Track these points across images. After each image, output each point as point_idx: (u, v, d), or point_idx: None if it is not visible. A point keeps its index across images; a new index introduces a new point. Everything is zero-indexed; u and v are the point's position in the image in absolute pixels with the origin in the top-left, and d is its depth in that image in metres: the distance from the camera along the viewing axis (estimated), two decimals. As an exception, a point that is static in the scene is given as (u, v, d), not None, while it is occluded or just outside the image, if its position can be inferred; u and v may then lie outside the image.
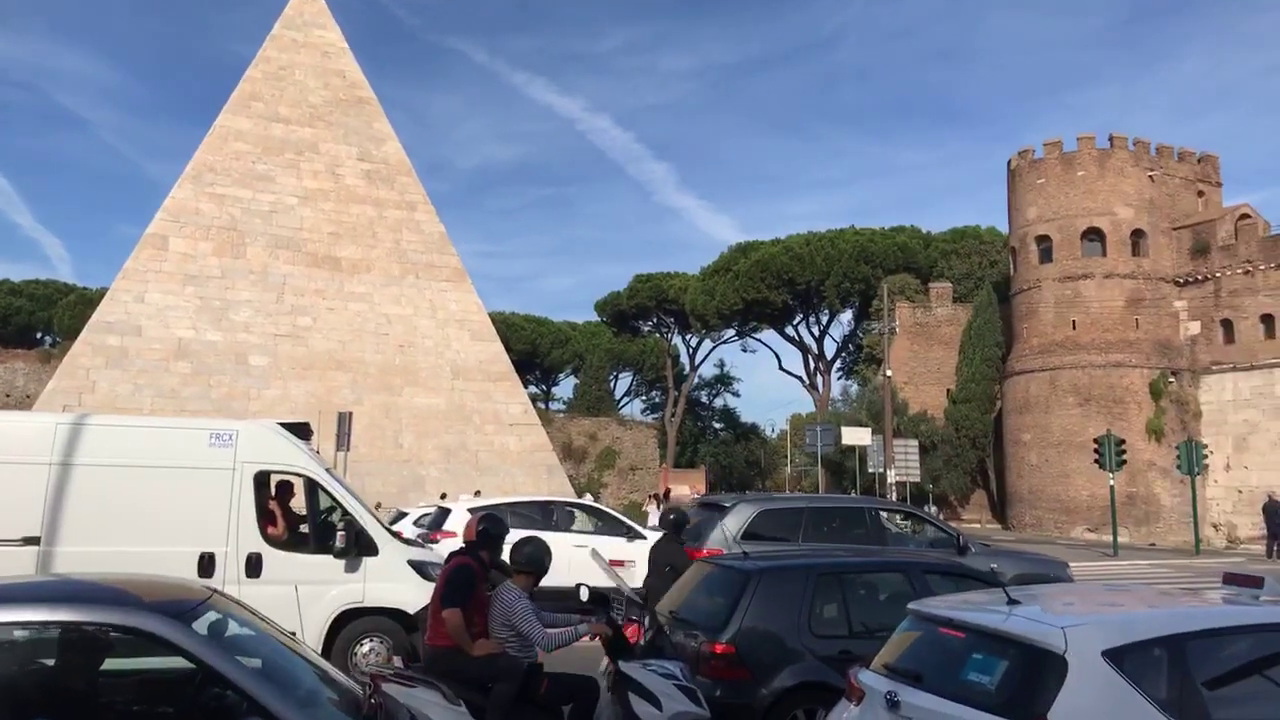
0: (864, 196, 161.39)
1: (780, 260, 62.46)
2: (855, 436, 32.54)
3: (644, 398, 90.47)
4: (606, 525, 14.36)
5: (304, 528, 9.85)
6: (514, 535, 13.78)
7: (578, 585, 6.18)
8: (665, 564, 8.59)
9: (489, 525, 6.06)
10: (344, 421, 21.94)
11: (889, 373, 34.76)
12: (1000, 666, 4.12)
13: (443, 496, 21.26)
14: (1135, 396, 42.47)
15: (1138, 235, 43.63)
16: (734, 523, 10.13)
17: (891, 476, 31.73)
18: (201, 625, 3.88)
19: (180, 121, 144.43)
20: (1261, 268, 40.98)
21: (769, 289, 62.83)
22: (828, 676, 6.36)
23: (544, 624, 5.76)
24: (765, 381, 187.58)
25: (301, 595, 8.56)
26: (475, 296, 35.85)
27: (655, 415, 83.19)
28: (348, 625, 8.93)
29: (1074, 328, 43.76)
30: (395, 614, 9.07)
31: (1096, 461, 28.31)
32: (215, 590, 4.40)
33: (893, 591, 7.00)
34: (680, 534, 9.17)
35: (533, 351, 75.18)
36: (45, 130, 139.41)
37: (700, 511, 11.24)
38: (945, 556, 8.86)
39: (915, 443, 34.07)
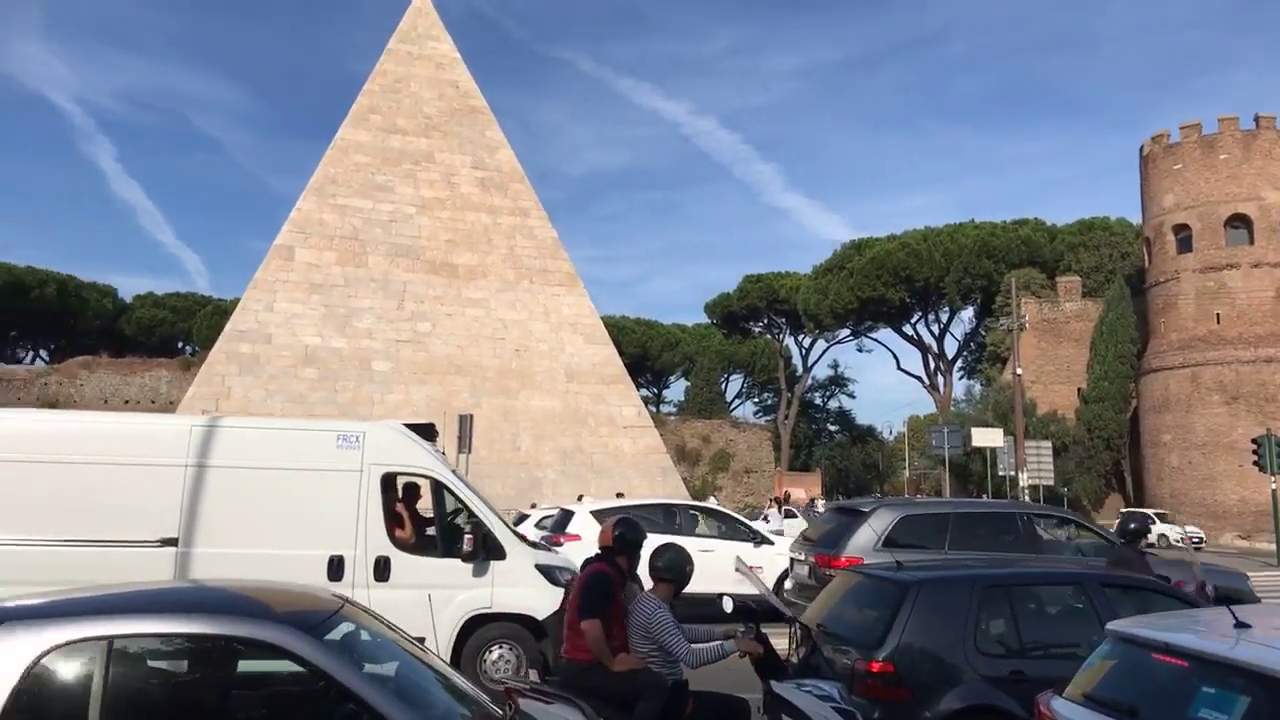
0: (979, 191, 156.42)
1: (897, 256, 60.73)
2: (986, 438, 31.08)
3: (756, 400, 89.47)
4: (731, 530, 13.89)
5: (429, 531, 9.72)
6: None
7: (719, 595, 5.73)
8: None
9: (626, 530, 5.68)
10: (465, 424, 22.05)
11: (1019, 370, 33.13)
12: (1240, 704, 3.50)
13: (580, 499, 21.18)
14: (1290, 394, 39.56)
15: (1290, 220, 40.61)
16: (874, 529, 9.53)
17: (1023, 480, 30.19)
18: (334, 638, 3.62)
19: (301, 139, 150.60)
20: None
21: (885, 286, 61.15)
22: (998, 700, 5.76)
23: (687, 638, 5.36)
24: (882, 382, 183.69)
25: (429, 600, 8.39)
26: (588, 300, 35.90)
27: (768, 417, 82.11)
28: (476, 632, 8.72)
29: (1218, 321, 41.05)
30: (524, 620, 8.82)
31: (1256, 463, 26.29)
32: (346, 599, 4.15)
33: (1067, 607, 6.33)
34: None
35: (643, 354, 75.19)
36: (183, 152, 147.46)
37: (835, 517, 10.66)
38: (1120, 569, 8.07)
39: (1049, 444, 32.34)
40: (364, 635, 3.95)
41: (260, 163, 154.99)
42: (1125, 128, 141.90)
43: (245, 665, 3.71)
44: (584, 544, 13.09)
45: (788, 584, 10.63)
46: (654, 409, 68.95)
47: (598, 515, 13.99)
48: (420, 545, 9.09)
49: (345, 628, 3.78)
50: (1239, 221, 40.89)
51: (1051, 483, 32.16)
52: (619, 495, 23.16)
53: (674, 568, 5.52)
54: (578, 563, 10.66)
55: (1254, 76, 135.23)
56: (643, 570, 5.92)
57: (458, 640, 8.64)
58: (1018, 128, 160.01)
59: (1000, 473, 32.02)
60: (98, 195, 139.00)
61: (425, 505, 10.04)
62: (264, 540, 8.33)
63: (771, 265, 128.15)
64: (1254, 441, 26.86)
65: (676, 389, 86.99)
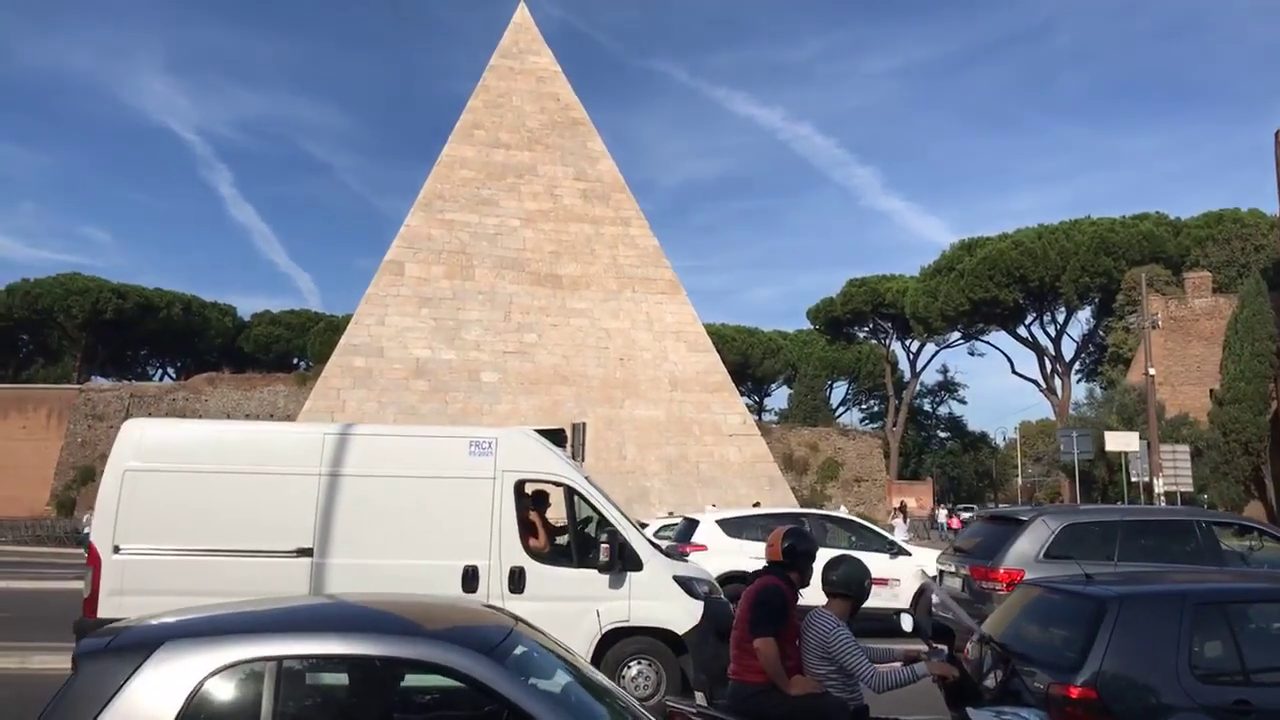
0: (1093, 188, 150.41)
1: (1010, 256, 58.61)
2: (1120, 441, 29.39)
3: (862, 407, 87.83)
4: (864, 540, 13.27)
5: (559, 540, 9.44)
6: (760, 549, 13.08)
7: (898, 613, 5.23)
8: None
9: (796, 541, 5.21)
10: (578, 432, 21.83)
11: (1151, 371, 31.32)
12: None
13: (755, 505, 20.68)
14: None
15: None
16: (1035, 539, 8.80)
17: (1159, 486, 28.46)
18: (511, 660, 3.28)
19: (406, 159, 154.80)
20: None
21: (998, 287, 59.07)
22: (1222, 733, 5.08)
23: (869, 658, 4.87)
24: (994, 387, 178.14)
25: (566, 613, 8.06)
26: (690, 308, 35.57)
27: (875, 425, 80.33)
28: (614, 646, 8.35)
29: (1369, 315, 38.18)
30: (663, 634, 8.42)
31: None
32: (519, 618, 3.81)
33: (1293, 627, 5.61)
34: None
35: (744, 362, 74.44)
36: (294, 177, 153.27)
37: (989, 526, 9.96)
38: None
39: (1186, 448, 30.44)
40: (536, 655, 3.60)
41: (367, 184, 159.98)
42: (1250, 115, 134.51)
43: (412, 688, 3.41)
44: (709, 554, 12.67)
45: (935, 598, 9.98)
46: (756, 417, 68.14)
47: (723, 524, 13.57)
48: (554, 555, 8.79)
49: (520, 648, 3.43)
50: (1391, 207, 38.03)
51: (1190, 489, 30.27)
52: (756, 505, 22.72)
53: (852, 582, 5.04)
54: (713, 574, 10.29)
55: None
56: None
57: (594, 655, 8.29)
58: (1132, 120, 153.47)
59: (1133, 478, 30.30)
60: (217, 220, 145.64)
61: (554, 514, 9.77)
62: (397, 550, 8.15)
63: (873, 269, 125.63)
64: None
65: (778, 397, 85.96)
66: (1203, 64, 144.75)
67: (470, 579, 8.13)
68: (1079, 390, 65.02)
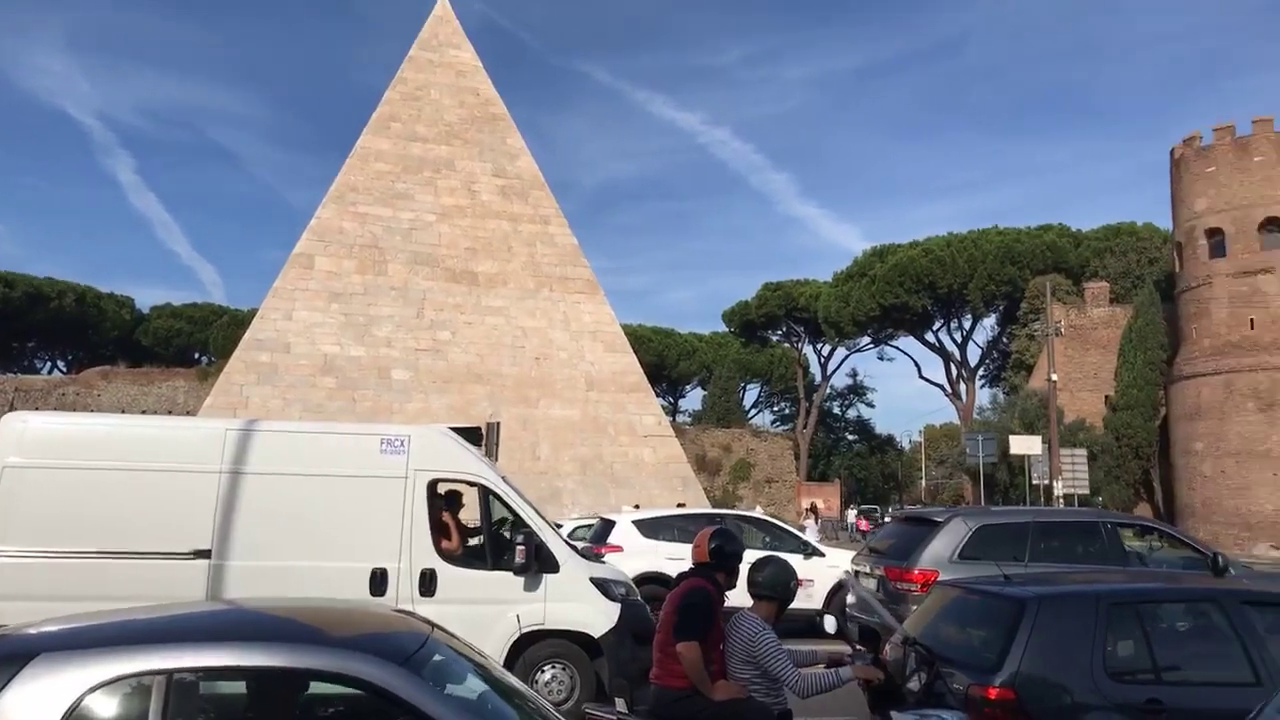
0: (1001, 198, 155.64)
1: (920, 263, 60.07)
2: (1024, 445, 30.32)
3: (774, 409, 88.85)
4: (779, 541, 13.29)
5: (473, 541, 9.18)
6: (677, 549, 12.98)
7: (820, 614, 5.16)
8: None
9: (724, 542, 5.09)
10: (492, 432, 21.44)
11: (1054, 377, 32.39)
12: None
13: (680, 505, 20.50)
14: (1326, 401, 38.65)
15: (1325, 224, 39.77)
16: (950, 540, 8.90)
17: (1059, 489, 29.45)
18: (428, 669, 3.06)
19: (318, 151, 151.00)
20: None
21: (908, 293, 60.50)
22: (1137, 732, 5.15)
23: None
24: (902, 391, 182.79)
25: (479, 616, 7.81)
26: (608, 308, 35.41)
27: (786, 426, 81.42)
28: (527, 650, 8.13)
29: (1252, 326, 40.22)
30: (578, 638, 8.23)
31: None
32: (435, 624, 3.59)
33: (1203, 627, 5.72)
34: None
35: (660, 363, 74.65)
36: (200, 165, 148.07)
37: (904, 527, 10.05)
38: (1236, 581, 7.46)
39: (1084, 452, 31.60)
40: (453, 664, 3.39)
41: (277, 175, 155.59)
42: (1148, 133, 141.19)
43: (318, 702, 3.16)
44: (626, 555, 12.55)
45: (850, 599, 10.04)
46: (671, 419, 68.36)
47: (640, 525, 13.45)
48: (467, 557, 8.53)
49: (437, 656, 3.22)
50: (1274, 225, 40.04)
51: (1086, 491, 31.41)
52: (680, 505, 22.64)
53: (778, 583, 4.94)
54: (630, 576, 10.14)
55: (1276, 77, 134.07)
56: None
57: (506, 660, 8.05)
58: (1039, 135, 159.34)
59: (1034, 481, 31.29)
60: (116, 208, 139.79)
61: (467, 515, 9.52)
62: (302, 552, 7.79)
63: (788, 274, 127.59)
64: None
65: (693, 398, 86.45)
66: (1106, 84, 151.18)
67: (378, 582, 7.82)
68: (983, 395, 67.09)
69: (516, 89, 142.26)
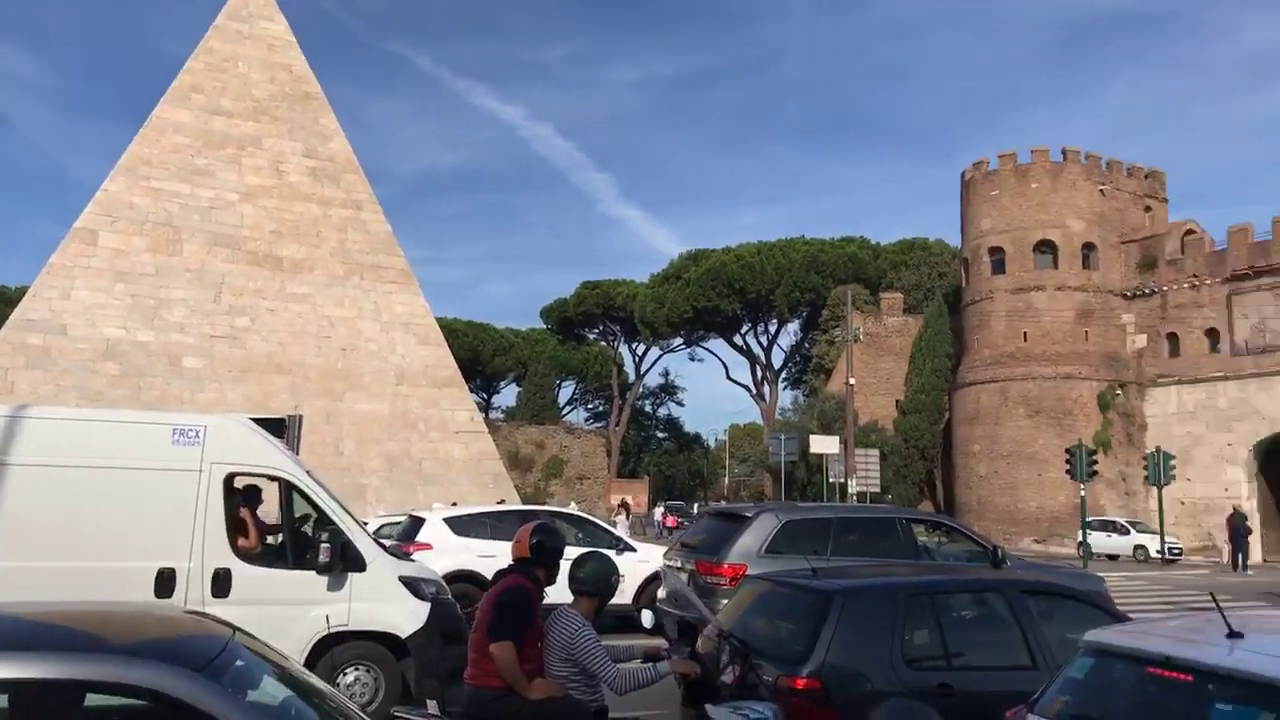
0: (807, 210, 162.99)
1: (731, 268, 62.12)
2: (824, 445, 31.90)
3: (588, 406, 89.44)
4: (592, 537, 13.30)
5: (272, 539, 8.68)
6: (489, 546, 12.77)
7: (639, 610, 5.15)
8: None
9: (545, 537, 4.97)
10: (294, 425, 20.47)
11: (852, 381, 34.26)
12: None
13: (500, 501, 19.87)
14: (1084, 409, 42.73)
15: (1088, 248, 44.01)
16: (758, 534, 9.17)
17: (853, 486, 31.16)
18: (228, 678, 2.81)
19: (106, 119, 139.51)
20: (1207, 282, 41.56)
21: (719, 297, 62.43)
22: (928, 716, 5.43)
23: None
24: (710, 391, 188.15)
25: (278, 618, 7.35)
26: (422, 299, 34.50)
27: (599, 424, 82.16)
28: (329, 652, 7.73)
29: (1025, 339, 43.93)
30: (384, 638, 7.90)
31: (1068, 472, 28.08)
32: (236, 627, 3.30)
33: (988, 615, 6.12)
34: None
35: (474, 358, 73.61)
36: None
37: (715, 522, 10.28)
38: (1016, 572, 8.05)
39: (876, 452, 33.61)
40: (255, 669, 3.13)
41: (58, 142, 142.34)
42: (944, 156, 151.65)
43: (96, 716, 2.84)
44: (436, 553, 12.23)
45: (660, 593, 10.17)
46: (484, 415, 67.50)
47: (451, 523, 13.14)
48: (266, 556, 8.04)
49: (239, 662, 2.96)
50: (1046, 246, 43.98)
51: (878, 489, 33.39)
52: (500, 501, 22.23)
53: (599, 579, 4.89)
54: (440, 574, 9.87)
55: (1052, 110, 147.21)
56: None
57: (307, 662, 7.63)
58: (846, 151, 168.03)
59: (831, 479, 32.97)
60: None
61: (265, 510, 8.99)
62: (76, 552, 7.09)
63: (606, 273, 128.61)
64: (1067, 451, 28.67)
65: (507, 395, 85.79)
66: (908, 107, 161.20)
67: (164, 583, 7.22)
68: (785, 397, 70.19)
69: (332, 68, 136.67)
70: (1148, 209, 46.73)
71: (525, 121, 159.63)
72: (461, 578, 11.84)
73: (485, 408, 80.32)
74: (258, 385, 29.97)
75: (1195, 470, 40.64)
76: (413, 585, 8.15)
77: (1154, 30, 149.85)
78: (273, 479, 8.01)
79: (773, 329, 69.48)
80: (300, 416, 22.04)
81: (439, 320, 37.13)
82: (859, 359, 52.62)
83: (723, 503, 60.42)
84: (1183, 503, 40.63)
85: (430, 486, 30.89)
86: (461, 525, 13.09)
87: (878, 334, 52.37)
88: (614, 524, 21.74)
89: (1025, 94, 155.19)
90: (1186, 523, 40.58)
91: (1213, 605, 3.96)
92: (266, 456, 7.89)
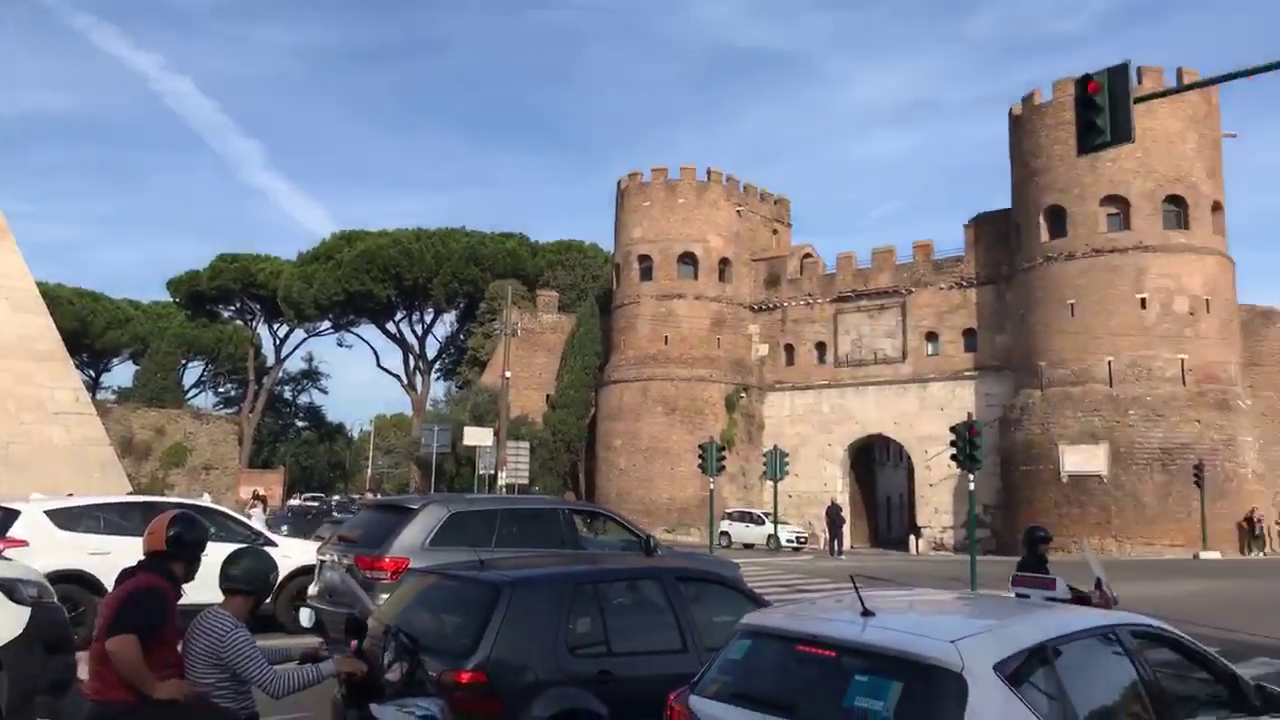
0: (470, 203, 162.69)
1: (388, 253, 60.39)
2: (477, 437, 31.87)
3: (218, 390, 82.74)
4: (226, 531, 12.15)
5: None
6: (103, 543, 11.31)
7: (297, 607, 4.76)
8: None
9: (184, 529, 4.40)
10: None
11: (508, 374, 34.62)
12: (893, 690, 3.64)
13: (130, 492, 16.97)
14: (713, 409, 46.57)
15: (724, 263, 48.12)
16: (423, 527, 8.91)
17: (503, 478, 31.51)
18: None
19: None
20: (819, 301, 47.04)
21: (374, 281, 60.47)
22: (587, 702, 5.57)
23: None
24: (358, 379, 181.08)
25: None
26: (20, 259, 29.86)
27: (231, 410, 76.26)
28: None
29: (666, 343, 47.01)
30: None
31: (700, 466, 30.35)
32: None
33: (646, 602, 6.38)
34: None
35: (82, 330, 65.33)
36: None
37: (376, 515, 9.84)
38: (659, 559, 8.48)
39: (527, 445, 34.25)
40: None
41: None
42: (601, 164, 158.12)
43: None
44: (34, 551, 10.61)
45: (312, 589, 9.57)
46: (92, 395, 60.05)
47: (54, 515, 11.47)
48: None
49: None
50: (689, 258, 47.49)
51: (526, 481, 34.05)
52: (130, 492, 19.53)
53: (257, 577, 4.44)
54: (42, 574, 8.55)
55: (706, 134, 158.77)
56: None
57: None
58: (510, 148, 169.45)
59: (481, 471, 33.10)
60: None
61: None
62: None
63: (247, 247, 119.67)
64: (700, 447, 31.00)
65: (122, 373, 76.91)
66: (571, 112, 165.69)
67: None
68: (438, 388, 69.51)
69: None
70: (775, 231, 52.00)
71: (161, 73, 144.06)
72: (68, 578, 10.39)
73: (93, 387, 71.47)
74: None
75: (802, 466, 45.70)
76: (8, 587, 7.00)
77: (786, 69, 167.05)
78: None
79: (428, 318, 68.57)
80: None
81: (40, 285, 32.39)
82: (514, 354, 53.37)
83: (368, 495, 58.51)
84: (790, 496, 45.50)
85: (18, 475, 26.74)
86: (69, 518, 11.48)
87: (533, 330, 53.44)
88: (249, 517, 20.21)
89: (678, 113, 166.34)
90: (793, 514, 45.52)
91: (851, 587, 4.41)
92: None
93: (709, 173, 48.07)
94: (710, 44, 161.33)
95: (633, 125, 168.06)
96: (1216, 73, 12.75)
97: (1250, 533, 34.85)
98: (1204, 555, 32.35)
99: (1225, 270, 37.97)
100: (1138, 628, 4.50)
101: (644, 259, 47.93)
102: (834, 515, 34.82)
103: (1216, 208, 37.87)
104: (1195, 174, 37.13)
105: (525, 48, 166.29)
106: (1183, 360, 35.95)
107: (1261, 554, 34.55)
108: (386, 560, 8.59)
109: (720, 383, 46.96)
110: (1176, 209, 36.91)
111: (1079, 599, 7.73)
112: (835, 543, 34.14)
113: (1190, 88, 14.61)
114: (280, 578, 11.92)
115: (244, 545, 4.87)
